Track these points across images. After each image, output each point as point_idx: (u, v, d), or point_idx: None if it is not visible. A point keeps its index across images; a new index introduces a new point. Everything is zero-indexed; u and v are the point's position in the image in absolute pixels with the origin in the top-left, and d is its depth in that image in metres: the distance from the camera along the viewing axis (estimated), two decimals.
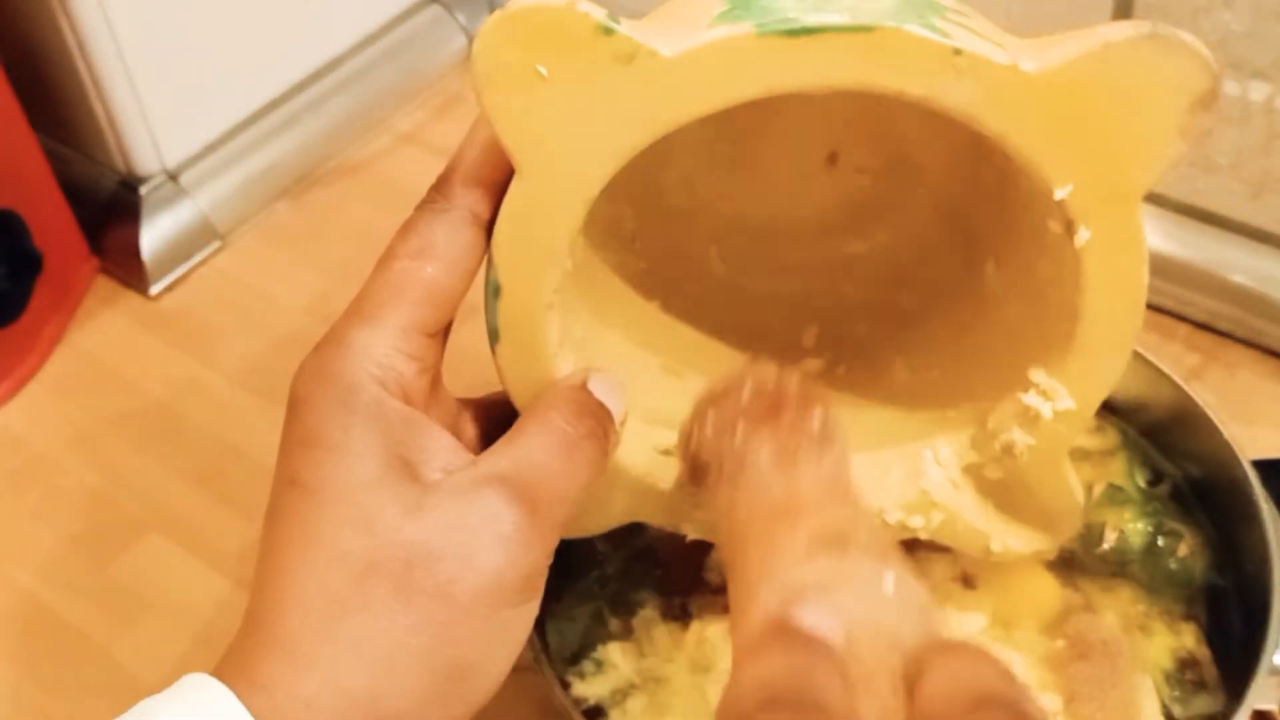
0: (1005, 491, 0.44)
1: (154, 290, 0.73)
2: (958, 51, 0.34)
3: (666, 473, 0.43)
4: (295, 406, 0.36)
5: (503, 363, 0.40)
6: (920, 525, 0.45)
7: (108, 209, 0.74)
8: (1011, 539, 0.45)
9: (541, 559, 0.36)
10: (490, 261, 0.38)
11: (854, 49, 0.34)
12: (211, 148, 0.76)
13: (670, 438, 0.41)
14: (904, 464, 0.45)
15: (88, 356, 0.71)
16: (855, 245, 0.48)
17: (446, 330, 0.39)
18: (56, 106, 0.72)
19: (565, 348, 0.40)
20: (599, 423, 0.38)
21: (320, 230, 0.76)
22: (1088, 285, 0.38)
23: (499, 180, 0.37)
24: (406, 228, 0.38)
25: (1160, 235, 0.66)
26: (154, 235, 0.73)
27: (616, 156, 0.36)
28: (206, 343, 0.70)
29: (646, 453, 0.43)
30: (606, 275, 0.46)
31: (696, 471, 0.37)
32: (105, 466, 0.65)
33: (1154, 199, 0.67)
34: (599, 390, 0.39)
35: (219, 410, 0.67)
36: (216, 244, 0.76)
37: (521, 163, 0.36)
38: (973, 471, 0.44)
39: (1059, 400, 0.40)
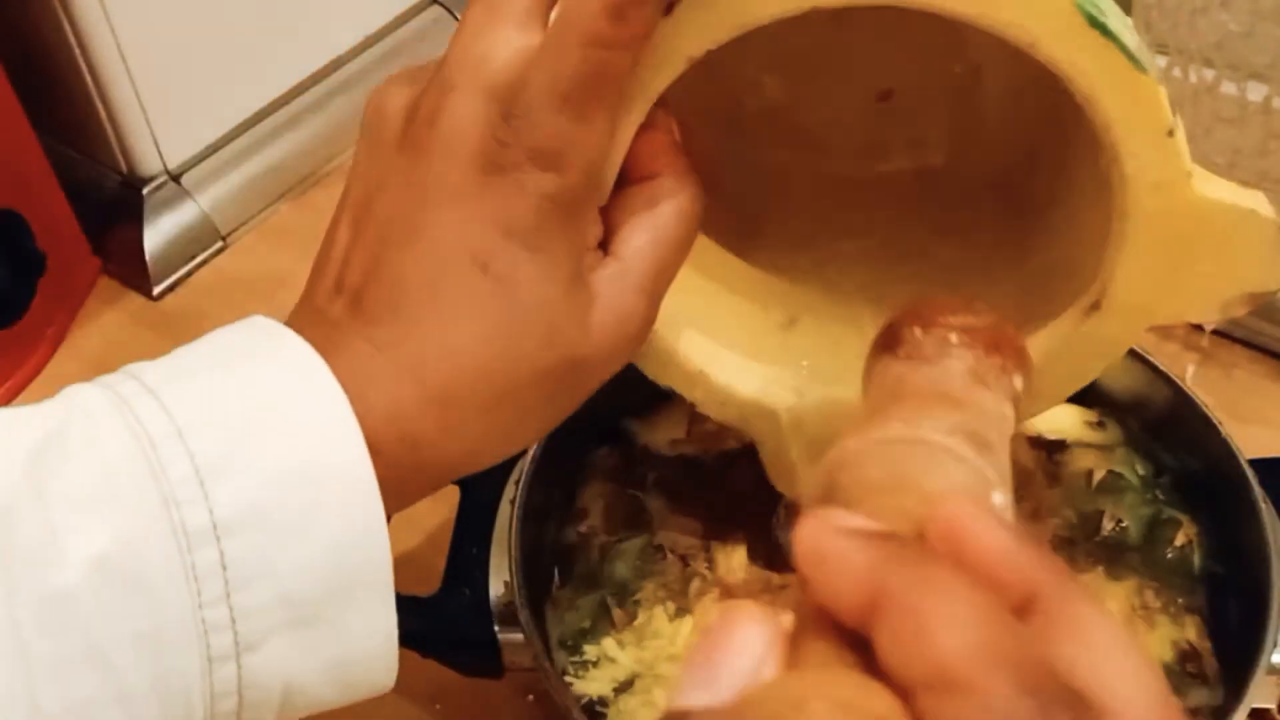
0: None
1: (156, 291, 0.73)
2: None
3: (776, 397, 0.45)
4: (493, 170, 0.35)
5: None
6: None
7: (110, 210, 0.74)
8: None
9: None
10: None
11: None
12: (213, 148, 0.76)
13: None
14: None
15: (90, 357, 0.71)
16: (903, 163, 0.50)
17: None
18: (58, 107, 0.72)
19: None
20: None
21: (322, 231, 0.76)
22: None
23: None
24: None
25: None
26: (156, 236, 0.74)
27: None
28: None
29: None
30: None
31: (890, 337, 0.36)
32: None
33: None
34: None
35: None
36: (219, 244, 0.76)
37: None
38: None
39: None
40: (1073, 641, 0.24)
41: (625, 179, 0.38)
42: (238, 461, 0.33)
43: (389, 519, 0.36)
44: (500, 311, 0.36)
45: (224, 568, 0.33)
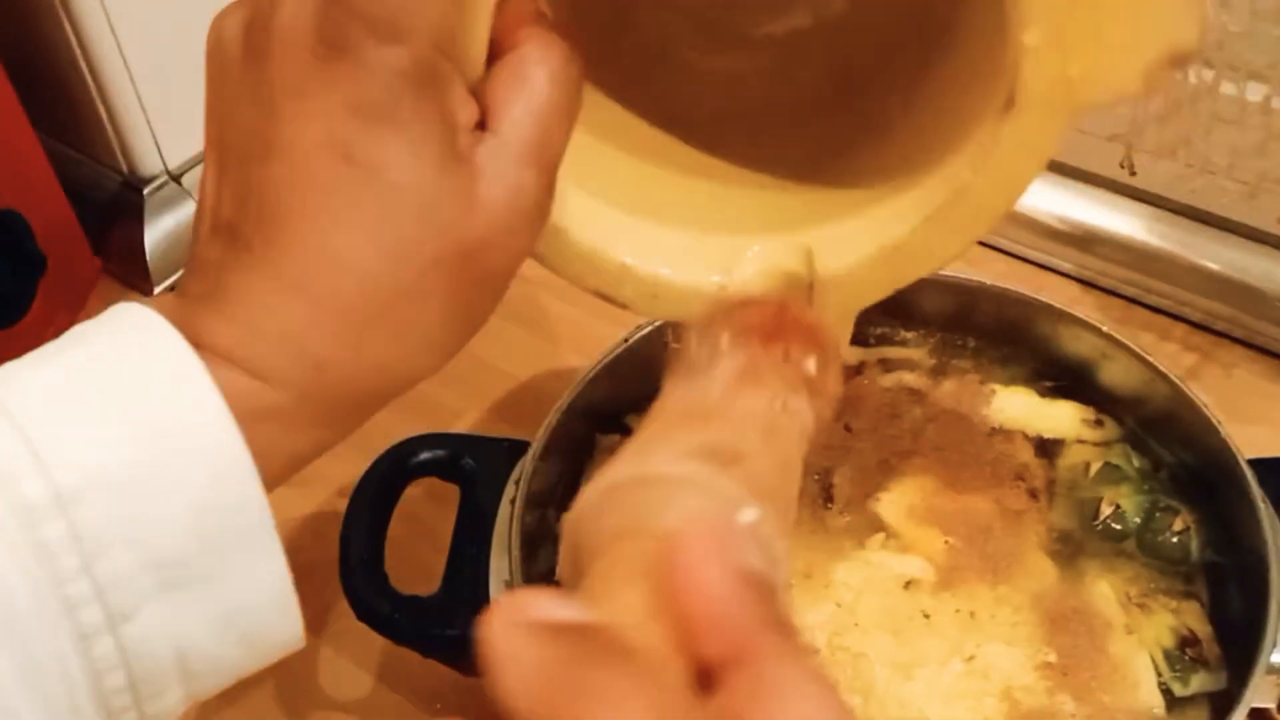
0: None
1: (157, 291, 0.73)
2: None
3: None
4: (333, 54, 0.33)
5: None
6: None
7: (111, 210, 0.74)
8: None
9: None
10: None
11: None
12: None
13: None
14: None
15: None
16: (804, 19, 0.46)
17: None
18: (59, 108, 0.72)
19: None
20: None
21: None
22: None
23: None
24: None
25: (1157, 235, 0.66)
26: (157, 236, 0.74)
27: None
28: None
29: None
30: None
31: (675, 358, 0.35)
32: None
33: (1151, 199, 0.67)
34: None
35: None
36: None
37: None
38: None
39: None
40: (768, 703, 0.23)
41: (493, 55, 0.36)
42: (73, 428, 0.32)
43: (322, 452, 0.35)
44: (372, 201, 0.33)
45: (77, 539, 0.31)
